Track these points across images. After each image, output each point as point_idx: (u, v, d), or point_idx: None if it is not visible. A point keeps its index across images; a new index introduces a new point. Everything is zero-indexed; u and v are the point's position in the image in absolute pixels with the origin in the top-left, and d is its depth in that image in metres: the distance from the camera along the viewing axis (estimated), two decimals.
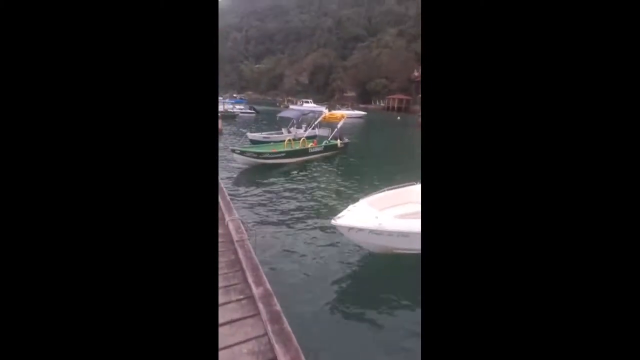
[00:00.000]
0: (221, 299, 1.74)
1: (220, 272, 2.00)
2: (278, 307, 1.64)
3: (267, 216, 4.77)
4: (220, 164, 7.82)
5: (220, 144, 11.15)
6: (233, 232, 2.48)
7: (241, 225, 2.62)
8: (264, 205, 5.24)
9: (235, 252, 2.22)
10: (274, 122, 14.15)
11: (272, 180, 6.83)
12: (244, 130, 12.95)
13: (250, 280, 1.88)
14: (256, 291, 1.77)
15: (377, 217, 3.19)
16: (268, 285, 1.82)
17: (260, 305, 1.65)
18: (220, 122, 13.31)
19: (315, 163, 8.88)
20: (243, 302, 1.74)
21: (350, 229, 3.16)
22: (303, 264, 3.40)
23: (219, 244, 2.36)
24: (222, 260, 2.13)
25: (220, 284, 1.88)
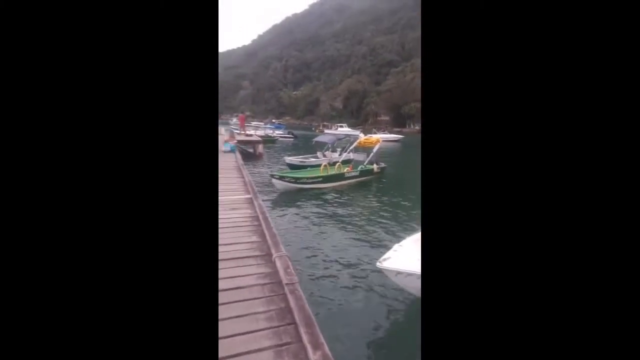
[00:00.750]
0: None
1: (270, 323, 1.74)
2: None
3: (306, 253, 4.51)
4: (262, 188, 7.87)
5: (260, 168, 11.41)
6: (281, 272, 2.24)
7: (289, 264, 2.37)
8: (296, 241, 4.99)
9: (286, 299, 1.96)
10: (310, 147, 14.32)
11: (307, 209, 6.64)
12: (283, 155, 13.20)
13: (305, 339, 1.59)
14: (314, 358, 1.47)
15: None
16: (327, 349, 1.52)
17: None
18: (261, 146, 13.79)
19: (352, 193, 8.53)
20: None
21: (399, 273, 2.80)
22: (349, 315, 3.04)
23: (267, 286, 2.12)
24: (272, 308, 1.88)
25: (271, 341, 1.61)
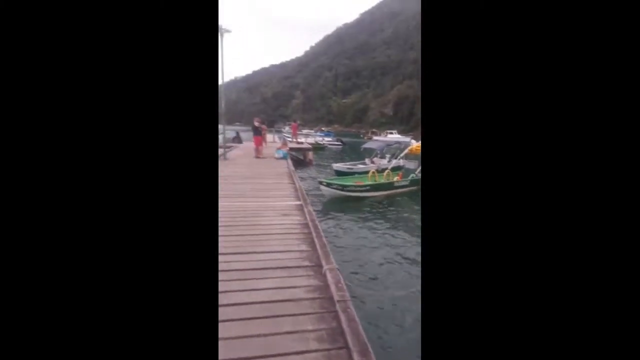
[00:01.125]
0: None
1: (320, 345, 1.60)
2: None
3: (355, 267, 4.29)
4: (309, 193, 7.92)
5: (308, 174, 11.55)
6: (332, 287, 2.09)
7: (340, 278, 2.21)
8: (338, 253, 4.78)
9: (337, 318, 1.80)
10: (358, 153, 14.08)
11: (351, 220, 6.38)
12: (332, 162, 13.21)
13: None
14: None
15: None
16: None
17: None
18: (310, 153, 14.03)
19: (402, 204, 8.01)
20: None
21: None
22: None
23: (317, 301, 1.99)
24: (322, 327, 1.73)
25: None
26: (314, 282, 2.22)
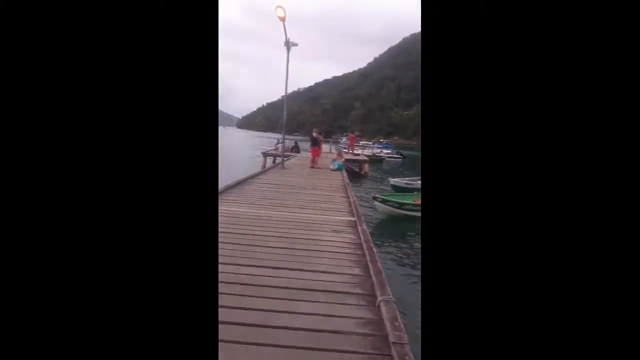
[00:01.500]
0: None
1: None
2: None
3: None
4: (363, 211, 7.62)
5: (364, 186, 11.23)
6: (387, 324, 1.81)
7: (397, 314, 1.92)
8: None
9: None
10: (419, 168, 13.20)
11: (406, 247, 5.80)
12: (389, 176, 12.68)
13: None
14: None
15: None
16: None
17: None
18: (367, 165, 13.73)
19: None
20: None
21: None
22: None
23: (369, 339, 1.74)
24: None
25: None
26: (365, 314, 1.97)
